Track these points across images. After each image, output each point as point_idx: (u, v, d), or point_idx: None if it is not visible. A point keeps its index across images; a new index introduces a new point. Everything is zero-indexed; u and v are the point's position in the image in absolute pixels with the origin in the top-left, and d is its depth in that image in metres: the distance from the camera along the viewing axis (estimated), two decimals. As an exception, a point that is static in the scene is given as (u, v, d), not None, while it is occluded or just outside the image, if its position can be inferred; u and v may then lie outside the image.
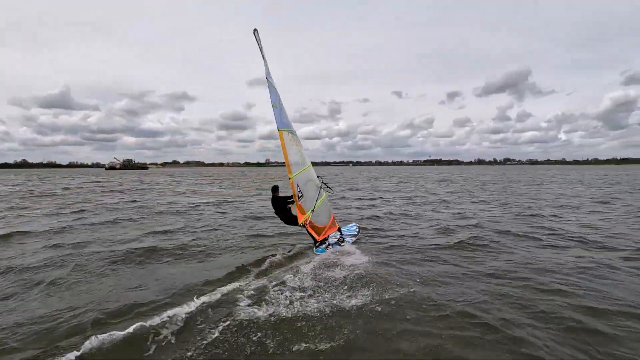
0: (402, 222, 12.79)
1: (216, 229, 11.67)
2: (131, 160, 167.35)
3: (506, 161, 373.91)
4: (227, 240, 10.02)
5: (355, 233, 10.02)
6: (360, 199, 21.29)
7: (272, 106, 7.60)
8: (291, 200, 8.16)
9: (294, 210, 7.98)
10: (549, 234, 10.27)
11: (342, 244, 8.68)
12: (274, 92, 7.68)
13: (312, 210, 8.05)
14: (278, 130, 7.54)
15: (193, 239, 10.00)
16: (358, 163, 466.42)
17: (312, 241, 8.43)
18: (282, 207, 8.43)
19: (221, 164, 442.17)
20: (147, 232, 11.04)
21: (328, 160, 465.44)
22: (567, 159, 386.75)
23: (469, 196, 22.50)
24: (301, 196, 7.72)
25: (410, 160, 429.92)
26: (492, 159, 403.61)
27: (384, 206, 17.58)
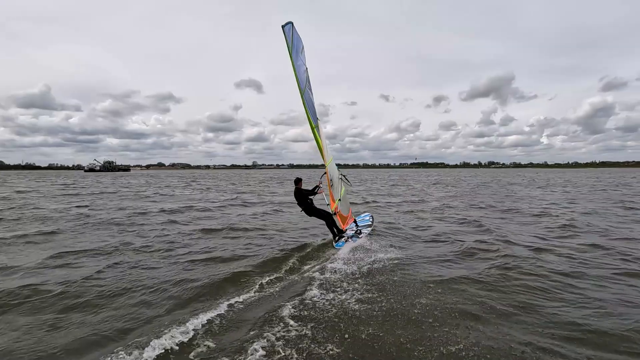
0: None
1: (147, 251, 8.63)
2: (112, 162, 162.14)
3: (491, 164, 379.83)
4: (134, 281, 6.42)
5: (370, 223, 10.06)
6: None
7: (303, 105, 7.59)
8: (313, 192, 8.73)
9: (324, 202, 8.95)
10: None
11: (360, 236, 8.77)
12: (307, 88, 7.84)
13: (339, 200, 8.71)
14: (317, 122, 8.21)
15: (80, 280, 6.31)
16: (345, 166, 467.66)
17: (332, 236, 8.87)
18: (304, 198, 8.76)
19: (207, 167, 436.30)
20: (52, 256, 8.00)
21: (316, 163, 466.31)
22: (549, 162, 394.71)
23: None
24: (331, 185, 8.46)
25: (397, 163, 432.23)
26: (477, 162, 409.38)
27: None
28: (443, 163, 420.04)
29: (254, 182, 46.87)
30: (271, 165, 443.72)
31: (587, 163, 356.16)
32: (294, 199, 8.90)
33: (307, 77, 8.12)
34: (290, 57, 6.90)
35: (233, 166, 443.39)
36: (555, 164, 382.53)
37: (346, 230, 9.13)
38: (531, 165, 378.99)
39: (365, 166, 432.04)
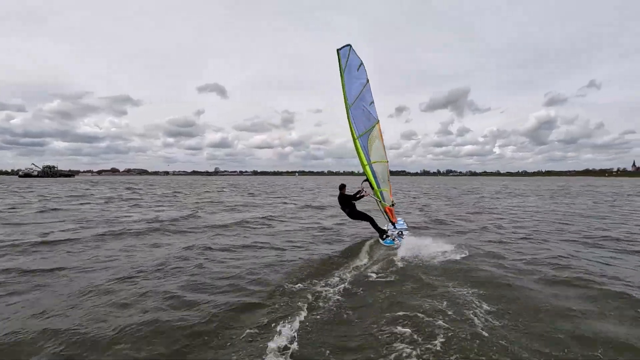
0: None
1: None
2: (53, 167, 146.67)
3: (448, 172, 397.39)
4: None
5: (407, 227, 10.53)
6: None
7: (348, 119, 8.29)
8: (355, 197, 9.35)
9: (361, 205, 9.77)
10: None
11: (402, 237, 9.11)
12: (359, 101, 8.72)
13: (393, 204, 10.29)
14: (372, 126, 9.42)
15: None
16: (310, 173, 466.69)
17: (380, 236, 9.35)
18: (348, 202, 9.35)
19: (166, 173, 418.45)
20: None
21: (280, 169, 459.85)
22: (501, 171, 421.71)
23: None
24: (384, 182, 9.83)
25: (361, 171, 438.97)
26: (436, 170, 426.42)
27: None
28: (405, 171, 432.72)
29: (205, 191, 38.84)
30: (234, 171, 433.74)
31: (534, 172, 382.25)
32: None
33: (363, 90, 8.95)
34: (342, 76, 7.87)
35: (194, 172, 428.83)
36: (507, 172, 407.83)
37: (388, 230, 9.60)
38: (485, 173, 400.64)
39: (330, 173, 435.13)
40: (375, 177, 9.29)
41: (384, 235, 9.29)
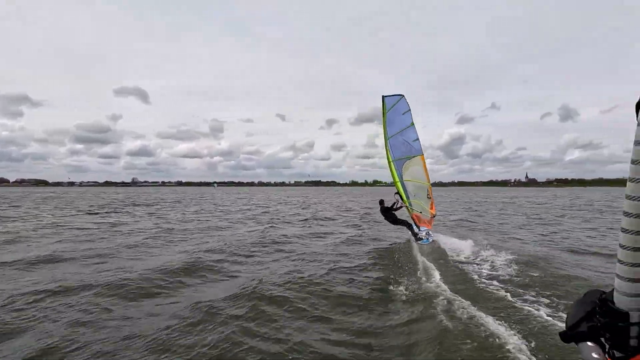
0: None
1: None
2: None
3: (375, 183, 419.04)
4: None
5: (430, 232, 11.66)
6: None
7: (386, 147, 11.58)
8: (393, 208, 11.78)
9: (401, 214, 12.16)
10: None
11: (430, 238, 11.10)
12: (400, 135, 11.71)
13: (411, 206, 11.90)
14: (411, 156, 11.90)
15: None
16: (240, 184, 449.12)
17: (414, 237, 11.32)
18: (389, 213, 11.86)
19: (72, 183, 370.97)
20: None
21: (208, 180, 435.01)
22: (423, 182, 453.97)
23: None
24: (415, 197, 11.85)
25: (292, 181, 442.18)
26: (364, 181, 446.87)
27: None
28: (335, 181, 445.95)
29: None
30: (156, 182, 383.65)
31: (449, 182, 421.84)
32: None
33: (406, 129, 11.55)
34: (384, 115, 11.41)
35: (107, 183, 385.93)
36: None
37: (418, 233, 11.36)
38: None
39: (261, 184, 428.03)
40: (405, 191, 11.62)
41: (417, 237, 11.22)
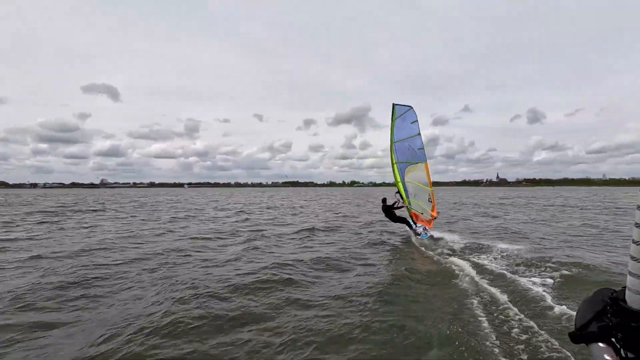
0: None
1: None
2: None
3: (353, 183, 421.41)
4: None
5: (426, 228, 12.41)
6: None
7: (391, 151, 13.03)
8: (393, 206, 12.70)
9: (401, 212, 12.97)
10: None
11: (427, 232, 12.05)
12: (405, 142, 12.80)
13: (410, 205, 12.89)
14: (415, 161, 12.62)
15: None
16: (216, 184, 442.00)
17: (413, 233, 12.34)
18: (389, 211, 12.76)
19: (34, 185, 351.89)
20: None
21: (182, 181, 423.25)
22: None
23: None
24: (414, 197, 12.60)
25: (270, 182, 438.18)
26: (341, 181, 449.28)
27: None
28: (312, 182, 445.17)
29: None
30: (127, 183, 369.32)
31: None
32: None
33: (414, 137, 12.41)
34: (392, 122, 12.59)
35: (74, 185, 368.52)
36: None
37: (416, 229, 12.38)
38: (384, 184, 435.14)
39: (237, 185, 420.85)
40: (406, 191, 12.69)
41: (416, 233, 12.15)
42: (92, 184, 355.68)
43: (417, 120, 12.30)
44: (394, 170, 12.82)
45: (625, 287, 0.87)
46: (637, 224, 0.82)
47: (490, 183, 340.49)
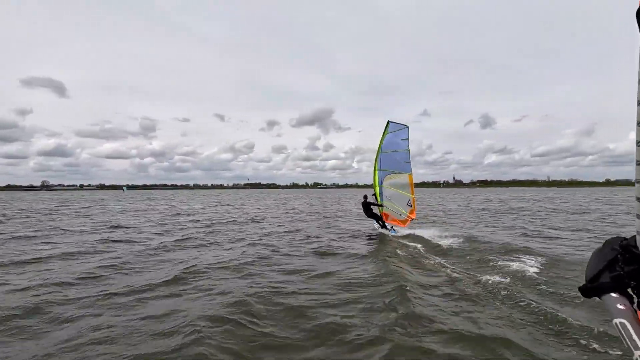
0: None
1: None
2: None
3: (316, 185, 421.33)
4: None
5: (394, 227, 14.48)
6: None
7: (375, 161, 14.78)
8: (374, 204, 14.61)
9: (376, 210, 14.87)
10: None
11: (395, 230, 14.17)
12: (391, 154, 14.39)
13: (383, 206, 14.78)
14: (398, 171, 14.23)
15: None
16: (174, 187, 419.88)
17: (383, 229, 14.61)
18: (368, 207, 14.72)
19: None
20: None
21: (136, 182, 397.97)
22: (359, 184, 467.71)
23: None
24: (389, 200, 14.33)
25: (231, 184, 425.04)
26: (304, 183, 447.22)
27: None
28: (275, 184, 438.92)
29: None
30: (72, 185, 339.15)
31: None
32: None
33: (401, 152, 13.79)
34: (383, 135, 14.04)
35: (9, 187, 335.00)
36: (364, 184, 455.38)
37: (385, 225, 14.68)
38: (347, 185, 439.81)
39: (196, 187, 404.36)
40: (382, 194, 14.58)
41: (384, 227, 14.67)
42: (31, 186, 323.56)
43: (408, 139, 13.72)
44: (374, 175, 14.68)
45: (636, 232, 0.83)
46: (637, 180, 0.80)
47: (447, 184, 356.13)
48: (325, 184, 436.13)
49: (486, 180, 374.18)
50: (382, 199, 14.56)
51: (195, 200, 55.59)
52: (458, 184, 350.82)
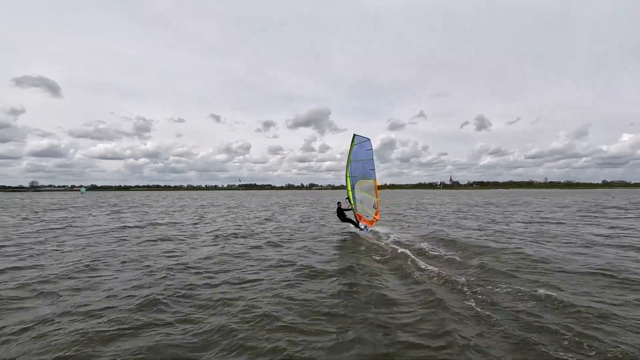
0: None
1: None
2: None
3: (312, 186, 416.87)
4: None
5: (367, 227, 16.27)
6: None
7: (347, 168, 16.30)
8: (347, 209, 16.82)
9: (349, 215, 17.09)
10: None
11: (367, 229, 15.98)
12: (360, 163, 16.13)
13: (355, 207, 16.42)
14: (367, 177, 15.94)
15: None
16: (167, 187, 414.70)
17: (357, 229, 16.51)
18: (342, 213, 17.11)
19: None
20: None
21: (129, 184, 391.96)
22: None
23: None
24: (360, 202, 16.02)
25: (226, 185, 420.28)
26: (300, 184, 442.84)
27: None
28: (270, 185, 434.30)
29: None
30: (63, 186, 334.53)
31: (381, 185, 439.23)
32: None
33: (368, 160, 15.65)
34: (351, 147, 15.67)
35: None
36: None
37: (359, 226, 16.39)
38: (342, 187, 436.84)
39: (190, 187, 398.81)
40: (354, 198, 16.15)
41: (359, 228, 16.32)
42: (21, 187, 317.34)
43: (372, 149, 15.59)
44: (347, 181, 16.11)
45: None
46: None
47: (444, 186, 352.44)
48: (321, 185, 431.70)
49: (482, 182, 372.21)
50: (355, 202, 16.23)
51: (150, 207, 42.90)
52: (455, 185, 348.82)
